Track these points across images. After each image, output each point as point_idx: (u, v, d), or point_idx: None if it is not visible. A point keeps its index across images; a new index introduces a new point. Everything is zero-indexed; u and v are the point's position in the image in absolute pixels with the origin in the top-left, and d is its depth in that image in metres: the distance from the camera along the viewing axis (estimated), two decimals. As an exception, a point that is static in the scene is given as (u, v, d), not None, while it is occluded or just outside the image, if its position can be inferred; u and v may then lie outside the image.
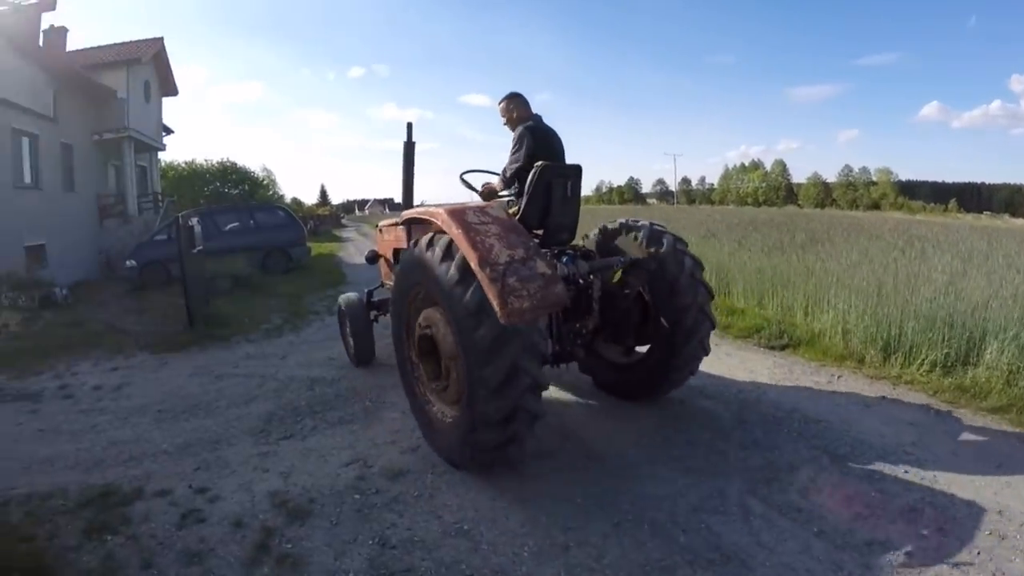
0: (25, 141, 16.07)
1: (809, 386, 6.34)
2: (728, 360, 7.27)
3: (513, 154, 5.21)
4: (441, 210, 4.45)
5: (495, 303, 3.78)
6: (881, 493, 4.12)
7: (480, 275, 3.89)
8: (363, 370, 7.40)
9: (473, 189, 5.84)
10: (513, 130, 5.35)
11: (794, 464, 4.57)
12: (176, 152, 69.40)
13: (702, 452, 4.85)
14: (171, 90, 26.39)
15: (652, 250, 5.31)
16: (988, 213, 77.87)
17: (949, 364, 6.32)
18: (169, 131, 27.29)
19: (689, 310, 5.18)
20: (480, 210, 4.40)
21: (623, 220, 5.74)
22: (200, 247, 11.07)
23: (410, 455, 5.01)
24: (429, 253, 4.37)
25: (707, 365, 6.15)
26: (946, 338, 6.47)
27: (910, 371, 6.41)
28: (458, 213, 4.28)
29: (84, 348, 9.18)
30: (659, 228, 5.55)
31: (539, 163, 4.94)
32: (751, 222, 19.90)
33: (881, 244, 13.11)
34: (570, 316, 5.19)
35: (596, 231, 5.90)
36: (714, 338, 7.03)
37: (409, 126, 6.18)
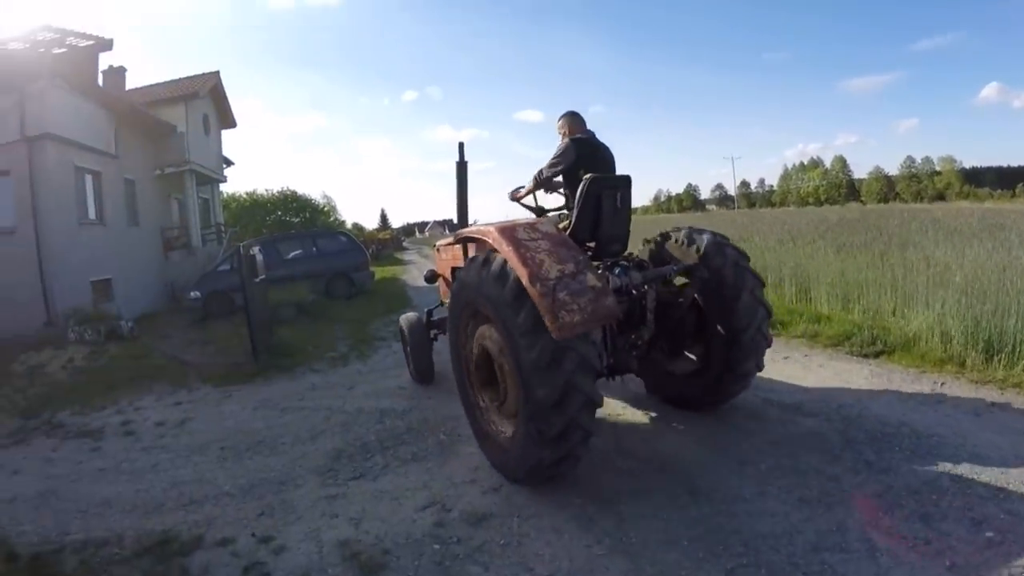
0: (88, 178, 16.14)
1: (912, 395, 5.81)
2: (821, 372, 6.79)
3: (552, 159, 5.33)
4: (492, 228, 4.51)
5: (547, 318, 3.81)
6: (1010, 515, 3.64)
7: (531, 291, 3.91)
8: (434, 400, 6.95)
9: (526, 207, 5.92)
10: None
11: (913, 487, 4.06)
12: (237, 183, 70.81)
13: (813, 479, 4.32)
14: (229, 123, 26.77)
15: (710, 261, 5.21)
16: None
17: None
18: (229, 163, 27.62)
19: (747, 331, 5.07)
20: (530, 226, 4.44)
21: (686, 229, 5.63)
22: (262, 276, 10.84)
23: (492, 496, 4.53)
24: (483, 271, 4.41)
25: (800, 379, 6.35)
26: None
27: (1015, 372, 5.90)
28: (508, 230, 4.33)
29: (148, 382, 8.98)
30: (721, 239, 5.42)
31: (588, 176, 4.97)
32: (821, 222, 18.79)
33: (961, 237, 12.07)
34: (624, 327, 5.18)
35: (652, 240, 5.85)
36: (803, 348, 7.48)
37: (461, 146, 6.16)
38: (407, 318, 7.91)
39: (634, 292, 5.16)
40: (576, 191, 5.02)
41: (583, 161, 5.17)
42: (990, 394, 5.61)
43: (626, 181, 5.24)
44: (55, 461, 6.17)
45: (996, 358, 6.17)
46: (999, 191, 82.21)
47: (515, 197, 5.93)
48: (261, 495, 4.87)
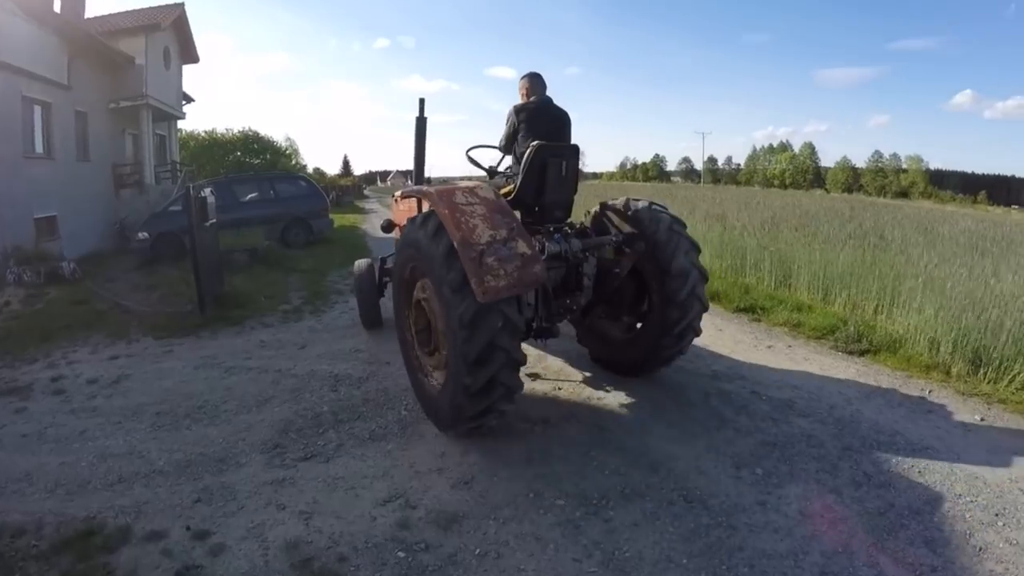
0: (37, 109, 15.34)
1: (902, 402, 5.55)
2: (808, 366, 6.48)
3: (507, 133, 5.52)
4: (433, 190, 4.59)
5: (473, 281, 3.94)
6: (1010, 544, 3.48)
7: (461, 254, 4.03)
8: (394, 367, 6.34)
9: (479, 166, 6.15)
10: None
11: (914, 507, 3.84)
12: (197, 121, 68.42)
13: (814, 491, 4.04)
14: (192, 57, 25.44)
15: (646, 229, 5.38)
16: (1016, 207, 76.96)
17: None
18: (190, 100, 26.39)
19: (679, 291, 5.20)
20: (470, 191, 4.52)
21: (623, 199, 5.77)
22: (214, 219, 10.03)
23: (463, 491, 4.04)
24: (422, 230, 4.50)
25: (787, 372, 6.19)
26: None
27: (1000, 388, 5.75)
28: (447, 194, 4.42)
29: (85, 331, 8.30)
30: (658, 208, 5.60)
31: (534, 143, 5.11)
32: (796, 208, 18.46)
33: (936, 237, 12.38)
34: (561, 292, 5.35)
35: (595, 209, 5.98)
36: (786, 338, 7.31)
37: (421, 102, 6.13)
38: (359, 265, 8.12)
39: (571, 259, 5.30)
40: (523, 157, 5.19)
41: (534, 126, 5.32)
42: (978, 408, 5.43)
43: (573, 150, 5.42)
44: (-28, 422, 5.58)
45: (982, 371, 6.05)
46: (960, 195, 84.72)
47: (472, 159, 6.15)
48: (198, 475, 4.31)
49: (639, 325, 5.78)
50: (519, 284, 4.08)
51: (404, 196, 6.18)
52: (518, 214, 4.97)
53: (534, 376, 6.10)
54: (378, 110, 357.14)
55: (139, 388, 6.08)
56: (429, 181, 6.29)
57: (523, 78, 5.64)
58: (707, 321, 6.38)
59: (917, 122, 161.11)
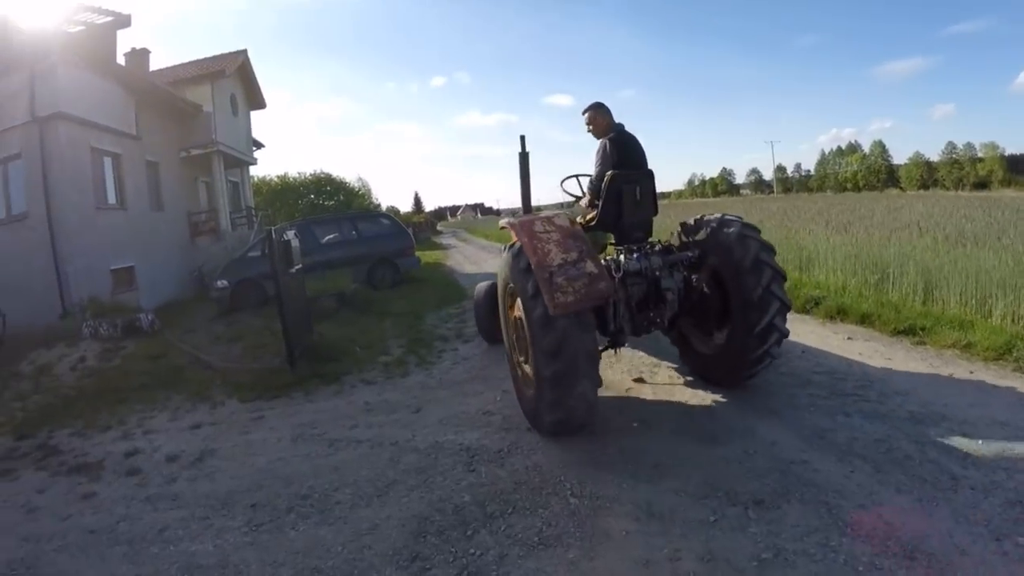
0: (107, 160, 15.21)
1: None
2: (1003, 396, 5.36)
3: (597, 165, 5.80)
4: (517, 221, 5.25)
5: (545, 297, 4.56)
6: None
7: (537, 275, 4.67)
8: (538, 435, 5.26)
9: (572, 195, 6.65)
10: (597, 138, 5.93)
11: None
12: (268, 167, 69.43)
13: None
14: (259, 103, 25.30)
15: (721, 239, 5.58)
16: None
17: None
18: (259, 145, 26.23)
19: (755, 290, 5.32)
20: (547, 220, 5.14)
21: (700, 215, 6.03)
22: (299, 264, 9.12)
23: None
24: (512, 257, 5.18)
25: (986, 404, 5.17)
26: None
27: None
28: (527, 224, 5.07)
29: (164, 391, 7.43)
30: (730, 217, 5.78)
31: (610, 172, 5.57)
32: (908, 212, 17.28)
33: None
34: (643, 307, 5.69)
35: (677, 228, 6.26)
36: (963, 362, 6.30)
37: (522, 139, 6.57)
38: (481, 285, 8.59)
39: (651, 276, 5.64)
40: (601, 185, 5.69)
41: (619, 159, 5.67)
42: None
43: (647, 175, 5.79)
44: (39, 511, 4.69)
45: None
46: None
47: (565, 190, 6.71)
48: (315, 608, 3.14)
49: (725, 339, 5.84)
50: (587, 299, 4.65)
51: (501, 228, 6.28)
52: (611, 236, 5.96)
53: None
54: (441, 147, 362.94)
55: (227, 468, 5.04)
56: (539, 210, 6.91)
57: (590, 109, 5.98)
58: (871, 348, 6.84)
59: (984, 108, 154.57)
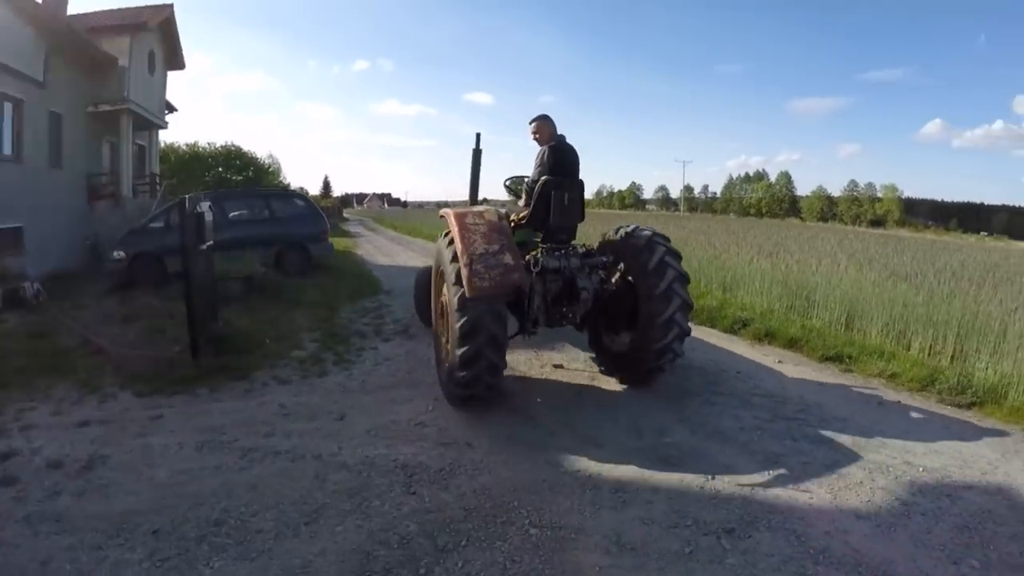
0: (7, 106, 13.82)
1: None
2: (928, 424, 5.80)
3: (535, 169, 6.39)
4: (451, 212, 6.02)
5: (465, 283, 5.20)
6: None
7: (460, 262, 5.33)
8: (479, 446, 4.91)
9: (514, 193, 7.20)
10: (540, 146, 6.43)
11: None
12: (178, 134, 66.35)
13: None
14: (178, 64, 23.48)
15: (632, 244, 6.27)
16: (984, 234, 79.89)
17: None
18: (172, 109, 24.52)
19: (658, 287, 5.92)
20: (478, 214, 5.83)
21: (621, 225, 6.77)
22: (210, 241, 8.22)
23: None
24: (444, 243, 5.92)
25: (918, 433, 5.50)
26: None
27: None
28: (460, 216, 5.78)
29: (47, 377, 6.49)
30: (643, 229, 6.49)
31: (543, 178, 6.16)
32: (830, 239, 18.18)
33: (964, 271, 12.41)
34: (559, 301, 6.35)
35: (602, 234, 6.90)
36: (889, 391, 6.73)
37: (478, 136, 7.13)
38: (422, 269, 8.67)
39: (568, 274, 6.29)
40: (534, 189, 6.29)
41: (555, 166, 6.26)
42: None
43: (576, 184, 6.42)
44: None
45: None
46: (932, 223, 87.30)
47: (507, 188, 7.38)
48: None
49: (630, 338, 6.43)
50: (500, 287, 5.28)
51: (441, 216, 6.68)
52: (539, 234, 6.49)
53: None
54: (354, 134, 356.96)
55: (122, 481, 4.31)
56: (485, 202, 7.49)
57: (537, 120, 6.52)
58: (802, 372, 7.24)
59: (887, 151, 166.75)
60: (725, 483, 4.45)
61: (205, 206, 8.22)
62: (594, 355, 7.24)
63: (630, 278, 6.33)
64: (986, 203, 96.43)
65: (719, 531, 3.79)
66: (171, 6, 21.22)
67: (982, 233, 79.76)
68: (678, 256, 6.24)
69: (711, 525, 3.85)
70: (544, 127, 6.47)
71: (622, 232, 6.51)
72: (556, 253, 6.34)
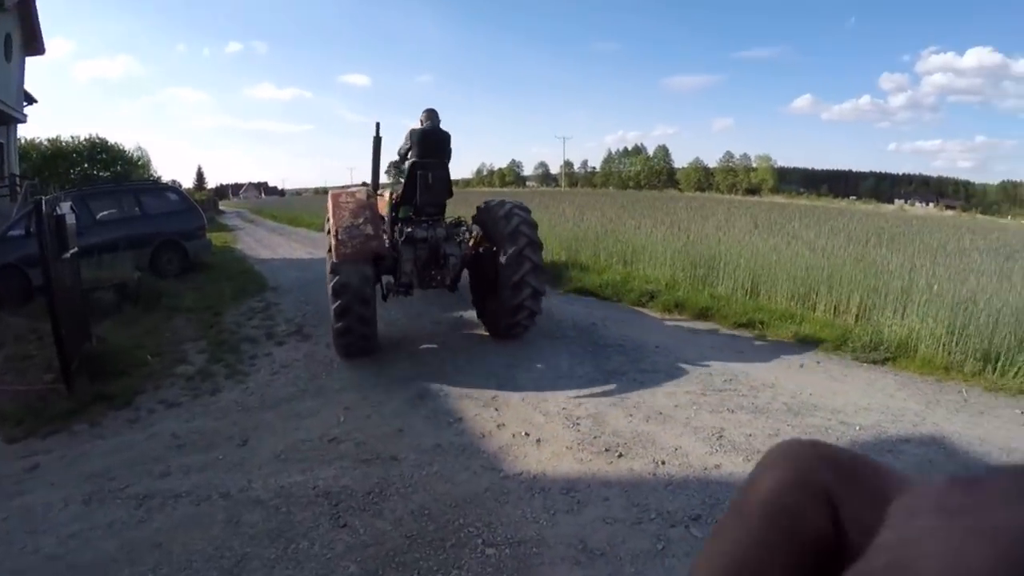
0: None
1: (960, 410, 5.43)
2: (855, 384, 6.09)
3: (402, 144, 7.59)
4: (331, 194, 7.01)
5: (333, 250, 6.34)
6: None
7: (331, 232, 6.46)
8: (407, 462, 4.39)
9: (400, 179, 7.93)
10: None
11: None
12: (39, 128, 61.62)
13: None
14: (37, 48, 21.37)
15: (492, 214, 7.17)
16: (853, 198, 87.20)
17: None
18: (32, 100, 22.18)
19: (512, 251, 6.77)
20: (350, 193, 6.92)
21: (490, 200, 7.61)
22: (75, 248, 7.22)
23: None
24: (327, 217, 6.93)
25: (846, 396, 5.70)
26: None
27: (1007, 380, 6.10)
28: (336, 196, 6.86)
29: None
30: (511, 204, 7.28)
31: (411, 160, 7.23)
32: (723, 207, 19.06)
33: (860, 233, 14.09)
34: (428, 266, 7.34)
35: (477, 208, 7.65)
36: (803, 355, 7.00)
37: (377, 125, 7.33)
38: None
39: (434, 242, 7.23)
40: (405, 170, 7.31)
41: (418, 146, 7.20)
42: (1013, 402, 5.68)
43: (441, 165, 7.29)
44: None
45: (990, 366, 6.35)
46: (804, 190, 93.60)
47: (393, 174, 8.69)
48: None
49: (496, 298, 7.15)
50: (360, 253, 6.28)
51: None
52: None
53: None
54: (227, 120, 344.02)
55: (1, 558, 3.54)
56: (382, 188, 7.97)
57: (424, 112, 7.50)
58: (719, 342, 7.51)
59: (760, 125, 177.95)
60: (676, 467, 4.30)
61: (66, 207, 7.28)
62: (478, 316, 7.93)
63: (493, 247, 7.12)
64: (854, 170, 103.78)
65: (685, 520, 3.65)
66: (30, -17, 19.05)
67: (852, 198, 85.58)
68: (533, 225, 7.08)
69: (675, 515, 3.70)
70: (423, 117, 7.47)
71: (490, 204, 7.40)
72: (424, 224, 7.28)
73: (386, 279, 7.42)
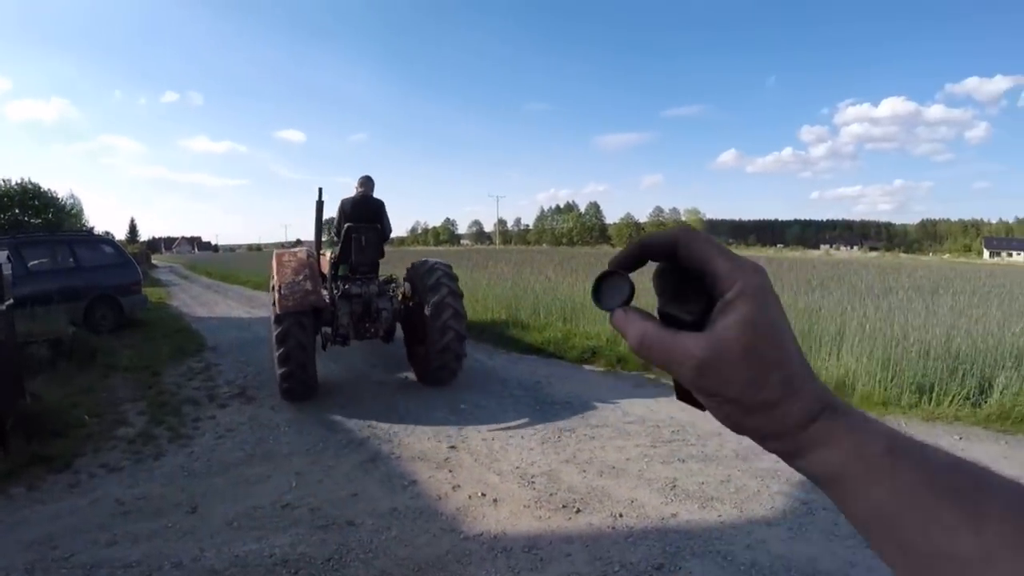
0: None
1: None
2: None
3: (337, 215, 8.42)
4: (276, 252, 7.73)
5: (277, 303, 7.02)
6: None
7: (275, 287, 7.22)
8: (365, 527, 4.28)
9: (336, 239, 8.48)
10: None
11: None
12: None
13: None
14: None
15: (419, 271, 8.01)
16: (780, 246, 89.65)
17: (970, 397, 6.67)
18: None
19: (436, 300, 7.56)
20: (292, 253, 7.62)
21: (421, 260, 8.37)
22: (10, 300, 6.90)
23: None
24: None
25: None
26: (962, 372, 6.93)
27: (942, 409, 6.56)
28: (280, 254, 7.58)
29: None
30: (434, 261, 8.16)
31: (347, 224, 7.92)
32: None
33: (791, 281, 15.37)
34: (362, 319, 8.11)
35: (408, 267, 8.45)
36: None
37: (320, 190, 7.90)
38: None
39: (367, 298, 8.05)
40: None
41: (351, 214, 8.07)
42: (950, 429, 6.22)
43: (373, 229, 8.04)
44: None
45: (925, 397, 6.78)
46: (733, 240, 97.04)
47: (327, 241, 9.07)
48: None
49: (425, 348, 7.86)
50: (299, 305, 6.97)
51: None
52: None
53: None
54: (160, 171, 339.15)
55: None
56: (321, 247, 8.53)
57: (360, 178, 8.34)
58: (663, 393, 7.58)
59: (687, 180, 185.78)
60: (634, 519, 4.38)
61: (2, 256, 7.06)
62: (410, 363, 8.66)
63: (420, 300, 7.82)
64: (780, 219, 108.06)
65: (649, 569, 3.72)
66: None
67: (779, 246, 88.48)
68: (454, 278, 7.86)
69: (639, 566, 3.76)
70: (360, 183, 8.29)
71: (414, 264, 8.24)
72: (358, 281, 8.08)
73: (325, 331, 7.99)
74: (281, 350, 6.95)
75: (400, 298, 8.43)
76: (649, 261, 0.57)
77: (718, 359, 0.47)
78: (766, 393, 0.48)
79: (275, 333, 6.97)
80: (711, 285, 0.50)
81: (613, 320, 0.54)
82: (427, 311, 7.55)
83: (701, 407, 0.55)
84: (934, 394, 6.77)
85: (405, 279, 8.49)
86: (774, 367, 0.48)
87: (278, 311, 6.92)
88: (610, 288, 0.55)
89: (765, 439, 0.51)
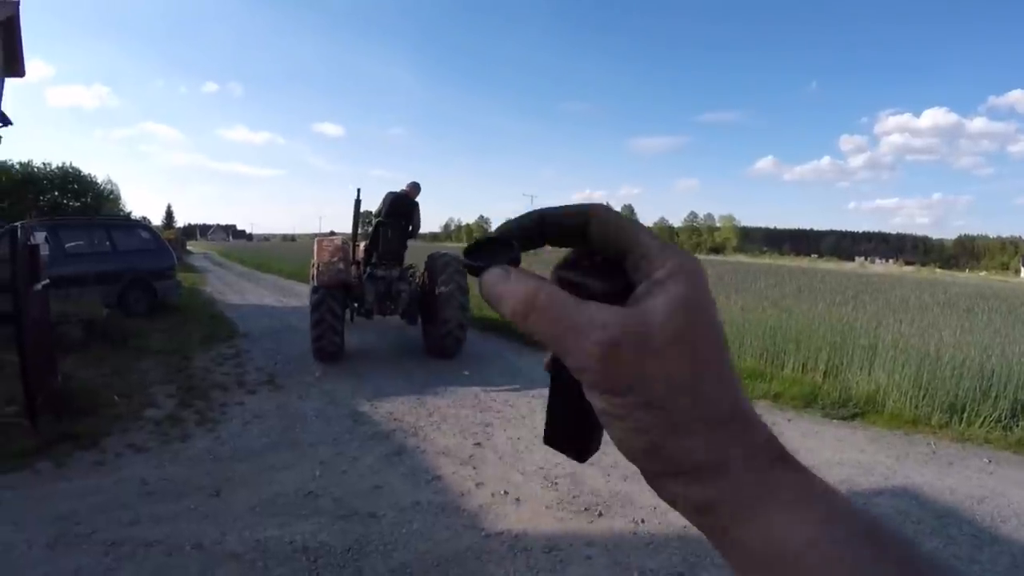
0: None
1: (943, 468, 5.62)
2: (819, 441, 6.35)
3: (378, 206, 9.98)
4: (317, 239, 9.59)
5: (315, 278, 8.69)
6: None
7: (314, 266, 8.86)
8: (386, 520, 4.27)
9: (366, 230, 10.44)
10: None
11: None
12: (9, 151, 60.33)
13: None
14: (17, 70, 20.75)
15: (435, 262, 9.45)
16: (815, 256, 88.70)
17: (1002, 419, 6.51)
18: (8, 121, 21.51)
19: (443, 291, 8.98)
20: (331, 239, 9.55)
21: (440, 252, 10.02)
22: (47, 280, 7.01)
23: None
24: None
25: (803, 452, 5.63)
26: (995, 394, 6.74)
27: (972, 430, 6.44)
28: (320, 240, 9.36)
29: None
30: (451, 256, 9.59)
31: (376, 219, 9.82)
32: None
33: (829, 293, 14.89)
34: (383, 298, 9.51)
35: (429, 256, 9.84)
36: (775, 413, 7.15)
37: (358, 191, 9.40)
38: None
39: (389, 280, 9.50)
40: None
41: (389, 208, 9.63)
42: (980, 451, 6.04)
43: (399, 224, 9.61)
44: None
45: (955, 418, 6.66)
46: (767, 249, 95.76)
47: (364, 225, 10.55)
48: None
49: (434, 326, 9.41)
50: (332, 281, 8.64)
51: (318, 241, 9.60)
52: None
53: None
54: (199, 159, 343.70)
55: None
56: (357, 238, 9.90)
57: (409, 183, 9.92)
58: None
59: (723, 185, 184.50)
60: (656, 526, 4.33)
61: (40, 237, 7.12)
62: (423, 337, 9.93)
63: (434, 286, 9.16)
64: (815, 229, 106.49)
65: None
66: (16, 4, 18.67)
67: (813, 256, 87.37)
68: (465, 274, 8.06)
69: (658, 573, 3.73)
70: (408, 186, 9.88)
71: (433, 255, 9.61)
72: (383, 267, 9.52)
73: (354, 305, 9.61)
74: (316, 315, 8.52)
75: (419, 283, 9.85)
76: (549, 247, 0.45)
77: (639, 340, 0.36)
78: (703, 402, 0.37)
79: (311, 301, 8.66)
80: (633, 267, 0.40)
81: (486, 278, 0.40)
82: (438, 299, 9.00)
83: (577, 455, 0.45)
84: (965, 415, 6.65)
85: (424, 268, 9.82)
86: (713, 364, 0.38)
87: (315, 283, 8.60)
88: (490, 252, 0.43)
89: (692, 479, 0.37)
